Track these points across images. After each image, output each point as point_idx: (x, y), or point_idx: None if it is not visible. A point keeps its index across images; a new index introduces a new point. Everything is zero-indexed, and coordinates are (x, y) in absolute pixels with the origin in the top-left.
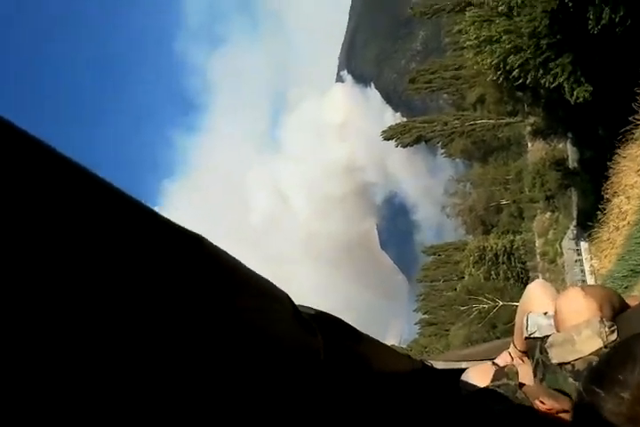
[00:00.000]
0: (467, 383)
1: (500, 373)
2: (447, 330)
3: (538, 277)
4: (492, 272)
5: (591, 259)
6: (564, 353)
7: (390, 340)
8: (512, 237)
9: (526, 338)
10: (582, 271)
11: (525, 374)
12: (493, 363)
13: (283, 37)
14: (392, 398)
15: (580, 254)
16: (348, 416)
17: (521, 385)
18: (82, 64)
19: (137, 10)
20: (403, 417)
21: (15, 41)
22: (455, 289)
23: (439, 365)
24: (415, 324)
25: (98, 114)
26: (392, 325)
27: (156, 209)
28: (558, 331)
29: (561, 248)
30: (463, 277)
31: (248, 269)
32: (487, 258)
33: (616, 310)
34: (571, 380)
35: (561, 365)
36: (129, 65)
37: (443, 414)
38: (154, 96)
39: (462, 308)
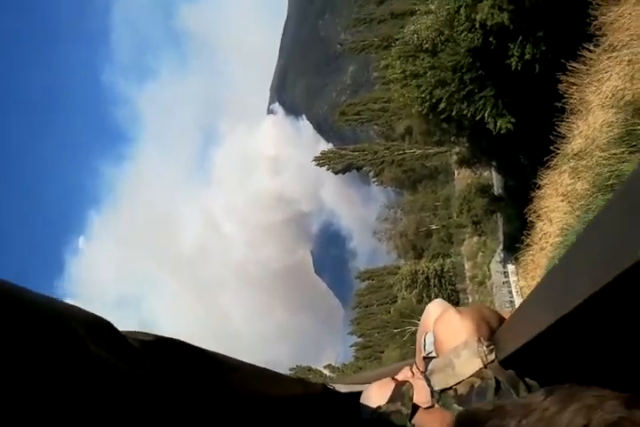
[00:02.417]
0: (365, 405)
1: (397, 392)
2: (382, 352)
3: (468, 299)
4: (424, 295)
5: (518, 280)
6: (446, 378)
7: (325, 363)
8: (442, 261)
9: (424, 358)
10: (510, 292)
11: (423, 394)
12: (393, 378)
13: (213, 69)
14: (275, 423)
15: (507, 276)
16: None
17: (414, 410)
18: (10, 93)
19: (64, 42)
20: None
21: None
22: (389, 312)
23: (342, 388)
24: (350, 346)
25: (23, 143)
26: (327, 348)
27: (80, 239)
28: (437, 355)
29: (489, 271)
30: (396, 301)
31: (39, 297)
32: (419, 281)
33: (494, 329)
34: (455, 406)
35: (443, 390)
36: (56, 96)
37: None
38: (81, 127)
39: (396, 330)
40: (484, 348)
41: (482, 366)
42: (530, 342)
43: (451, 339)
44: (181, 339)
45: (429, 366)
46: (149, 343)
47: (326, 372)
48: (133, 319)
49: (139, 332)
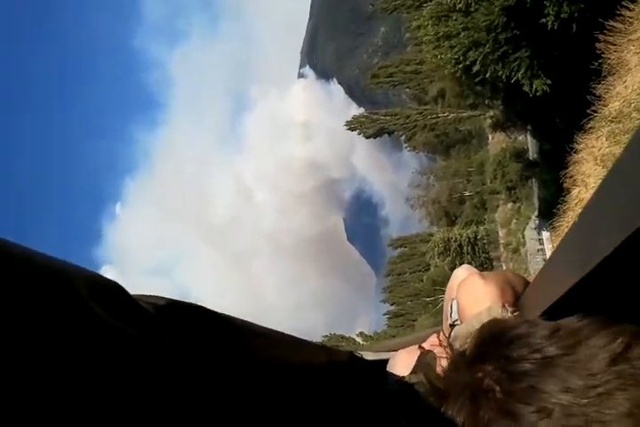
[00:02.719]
0: (391, 374)
1: (421, 362)
2: (414, 320)
3: (502, 267)
4: (457, 263)
5: (554, 247)
6: None
7: (359, 331)
8: (475, 228)
9: (451, 325)
10: (545, 260)
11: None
12: (420, 346)
13: (244, 33)
14: (298, 390)
15: (542, 243)
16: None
17: None
18: (41, 59)
19: (96, 8)
20: (313, 412)
21: None
22: (421, 280)
23: (370, 356)
24: (383, 314)
25: (58, 111)
26: (361, 316)
27: (117, 206)
28: (461, 322)
29: (524, 238)
30: (429, 269)
31: (40, 256)
32: (452, 249)
33: (519, 294)
34: None
35: None
36: (89, 62)
37: (363, 409)
38: (114, 93)
39: (428, 299)
40: (509, 314)
41: None
42: (553, 305)
43: (474, 305)
44: (208, 306)
45: (453, 333)
46: (163, 307)
47: (359, 340)
48: (168, 287)
49: (152, 296)
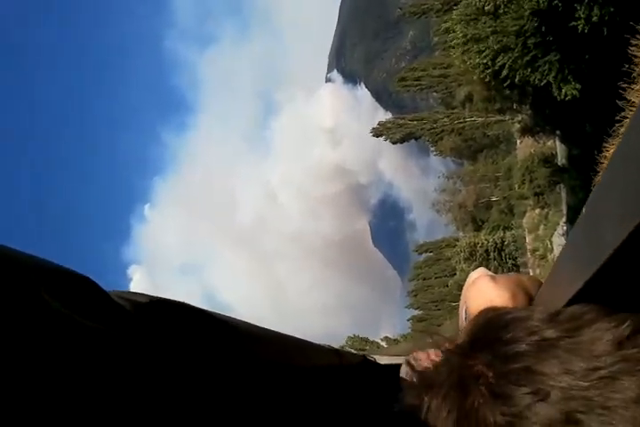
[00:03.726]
0: (403, 379)
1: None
2: (439, 325)
3: (528, 273)
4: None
5: None
6: None
7: (383, 335)
8: (502, 234)
9: None
10: None
11: None
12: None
13: (272, 37)
14: (305, 392)
15: None
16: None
17: None
18: (73, 62)
19: (128, 10)
20: (320, 413)
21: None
22: (447, 286)
23: (384, 360)
24: (407, 320)
25: (89, 112)
26: (385, 320)
27: (146, 207)
28: None
29: (551, 244)
30: (454, 274)
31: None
32: (478, 254)
33: (531, 297)
34: None
35: None
36: (120, 64)
37: (374, 411)
38: (144, 94)
39: (454, 304)
40: None
41: None
42: (566, 305)
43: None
44: (233, 306)
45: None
46: (143, 304)
47: (383, 344)
48: (195, 286)
49: (136, 293)
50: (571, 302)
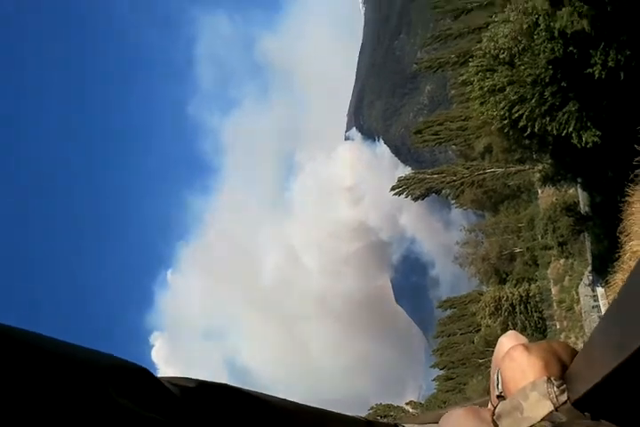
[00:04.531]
0: None
1: None
2: (465, 384)
3: (555, 326)
4: (510, 322)
5: (609, 304)
6: (515, 423)
7: (409, 396)
8: (527, 286)
9: (497, 396)
10: (600, 318)
11: None
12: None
13: (291, 98)
14: None
15: (597, 300)
16: None
17: None
18: (101, 128)
19: (152, 76)
20: None
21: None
22: (472, 342)
23: None
24: (432, 380)
25: (114, 178)
26: (410, 380)
27: (169, 272)
28: (505, 398)
29: (578, 295)
30: (480, 330)
31: (61, 344)
32: (503, 308)
33: (567, 364)
34: None
35: None
36: (145, 130)
37: None
38: (169, 159)
39: (480, 360)
40: (555, 388)
41: (553, 408)
42: (600, 382)
43: (518, 379)
44: (257, 370)
45: (497, 410)
46: (191, 390)
47: (408, 408)
48: (218, 352)
49: (182, 378)
50: (601, 384)
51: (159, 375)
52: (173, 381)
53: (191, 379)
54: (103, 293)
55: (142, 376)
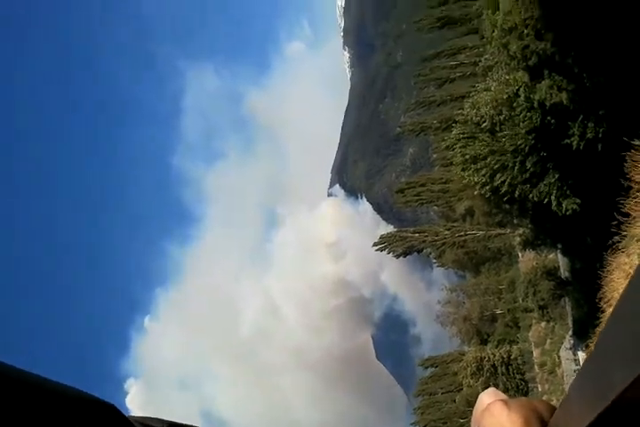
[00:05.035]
0: None
1: None
2: None
3: (537, 388)
4: (491, 383)
5: None
6: None
7: None
8: (509, 348)
9: None
10: None
11: None
12: None
13: (276, 153)
14: None
15: (578, 364)
16: None
17: None
18: (84, 173)
19: (138, 125)
20: None
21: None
22: (454, 401)
23: None
24: None
25: (97, 221)
26: None
27: (146, 319)
28: None
29: (559, 358)
30: (461, 389)
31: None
32: (485, 369)
33: (546, 424)
34: None
35: None
36: (128, 178)
37: None
38: (150, 207)
39: (462, 420)
40: None
41: None
42: None
43: None
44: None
45: None
46: None
47: None
48: (194, 402)
49: (153, 418)
50: None
51: (130, 415)
52: (144, 421)
53: (162, 420)
54: (79, 335)
55: (110, 413)
